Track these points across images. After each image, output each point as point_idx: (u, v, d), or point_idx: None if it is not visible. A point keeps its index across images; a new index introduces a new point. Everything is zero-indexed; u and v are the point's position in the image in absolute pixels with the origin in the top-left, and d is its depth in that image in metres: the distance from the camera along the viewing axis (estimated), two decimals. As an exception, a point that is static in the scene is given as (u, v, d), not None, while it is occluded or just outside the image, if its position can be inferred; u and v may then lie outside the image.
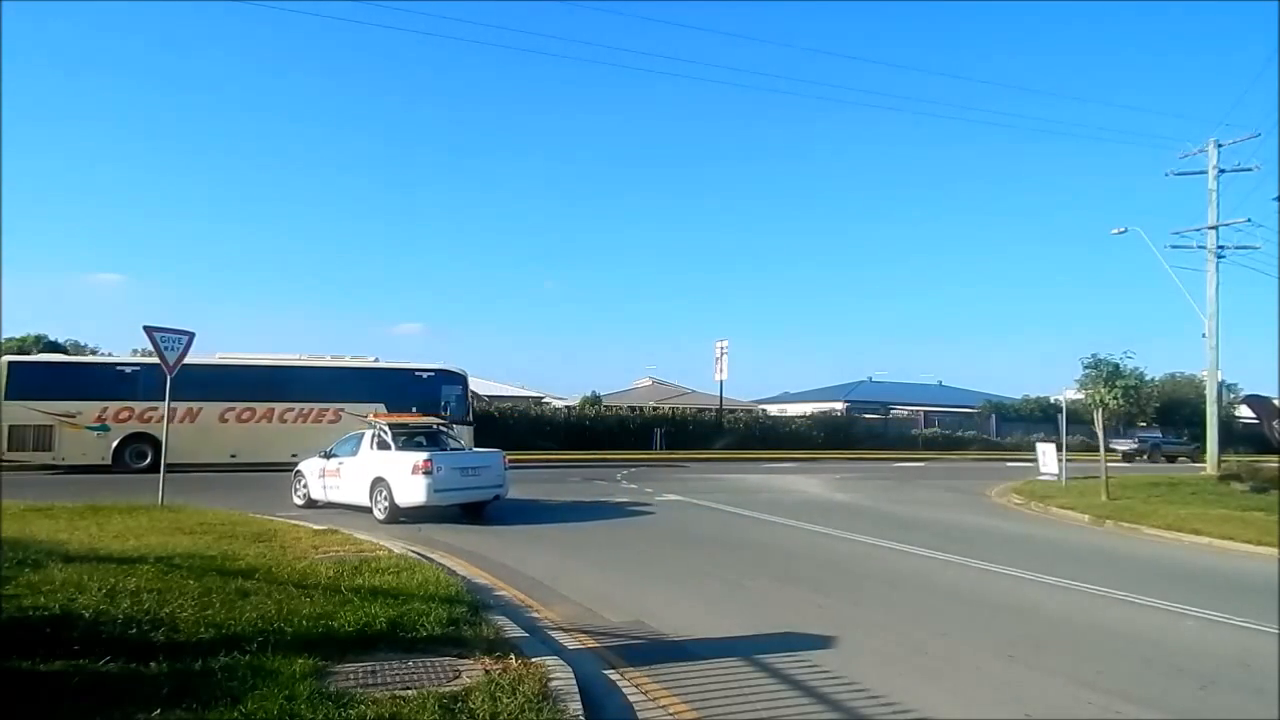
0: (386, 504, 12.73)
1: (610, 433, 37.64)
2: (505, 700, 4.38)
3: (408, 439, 13.79)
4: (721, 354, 39.89)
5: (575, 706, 4.47)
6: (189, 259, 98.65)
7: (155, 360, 22.77)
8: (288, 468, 17.20)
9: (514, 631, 6.03)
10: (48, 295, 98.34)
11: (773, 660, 5.62)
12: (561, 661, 5.28)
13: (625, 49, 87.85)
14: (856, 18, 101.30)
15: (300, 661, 4.76)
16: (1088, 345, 42.75)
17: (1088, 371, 19.22)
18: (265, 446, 22.31)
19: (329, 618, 5.79)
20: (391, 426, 13.79)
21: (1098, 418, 19.01)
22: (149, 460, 22.01)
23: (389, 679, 4.74)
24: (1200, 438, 27.05)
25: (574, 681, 4.87)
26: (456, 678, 4.81)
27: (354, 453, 13.85)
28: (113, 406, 21.97)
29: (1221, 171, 26.04)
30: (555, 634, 6.35)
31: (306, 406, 23.11)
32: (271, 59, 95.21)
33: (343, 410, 22.81)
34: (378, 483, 12.96)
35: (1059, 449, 23.48)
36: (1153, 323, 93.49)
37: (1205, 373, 28.44)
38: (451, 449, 14.28)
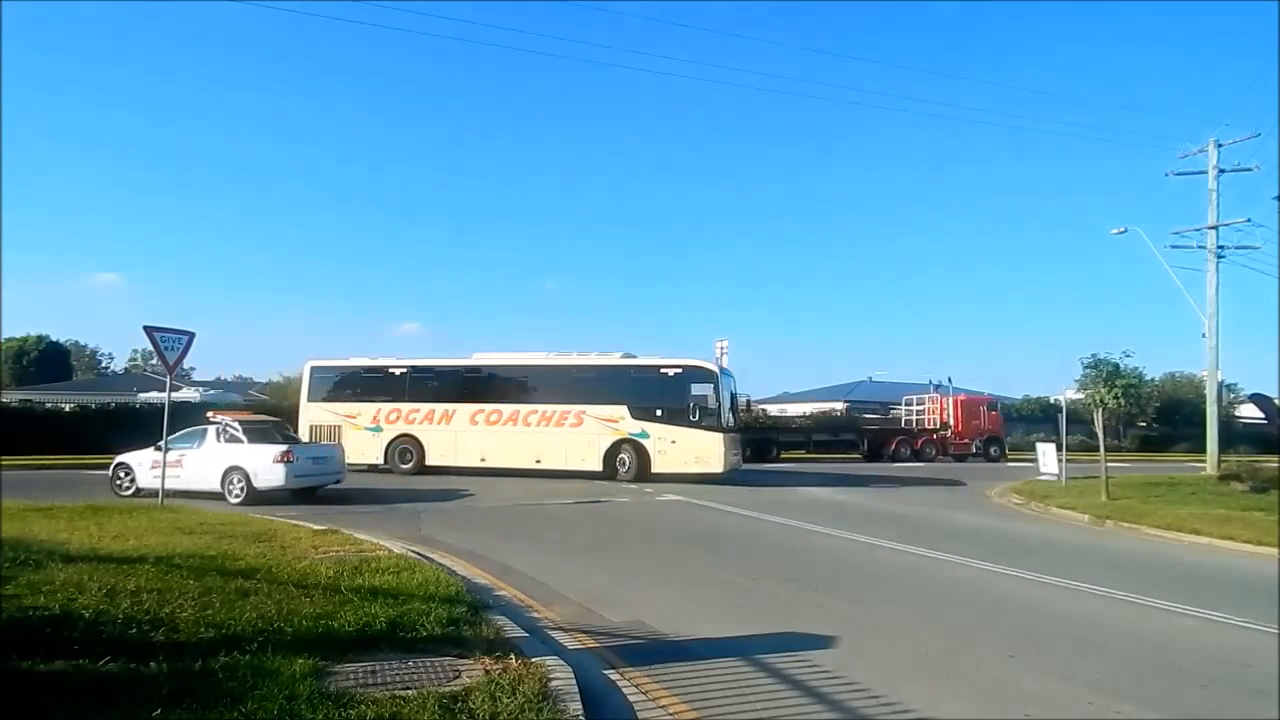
0: (242, 489, 14.85)
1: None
2: (505, 700, 4.38)
3: (255, 433, 15.86)
4: (722, 354, 39.72)
5: (575, 706, 4.47)
6: (188, 259, 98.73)
7: (421, 361, 23.30)
8: (530, 474, 17.38)
9: (514, 631, 6.02)
10: (48, 295, 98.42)
11: (773, 660, 5.62)
12: (561, 661, 5.28)
13: (628, 49, 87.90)
14: (858, 18, 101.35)
15: (300, 661, 4.75)
16: (1088, 345, 42.77)
17: (1088, 371, 19.21)
18: (509, 451, 21.40)
19: (329, 618, 5.79)
20: (241, 423, 15.97)
21: (1098, 418, 19.00)
22: (413, 462, 21.95)
23: (389, 679, 4.73)
24: (1202, 438, 26.99)
25: (574, 681, 4.86)
26: (456, 678, 4.81)
27: (198, 445, 15.60)
28: (385, 408, 22.28)
29: (1221, 171, 26.03)
30: (555, 634, 6.34)
31: (550, 409, 21.40)
32: (271, 59, 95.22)
33: (584, 413, 21.09)
34: (232, 470, 15.00)
35: (1059, 449, 23.47)
36: (1153, 323, 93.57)
37: (1205, 373, 28.43)
38: (288, 438, 16.39)
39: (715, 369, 21.30)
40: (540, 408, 21.48)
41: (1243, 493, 18.68)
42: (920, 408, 35.34)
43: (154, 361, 33.24)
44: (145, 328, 13.37)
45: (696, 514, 14.99)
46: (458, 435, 21.70)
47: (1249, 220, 25.79)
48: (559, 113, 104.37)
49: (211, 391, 51.10)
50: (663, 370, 21.41)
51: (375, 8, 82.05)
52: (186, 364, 17.48)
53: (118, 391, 46.31)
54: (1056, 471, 22.16)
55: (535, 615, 6.98)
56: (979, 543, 11.77)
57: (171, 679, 4.41)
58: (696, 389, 20.85)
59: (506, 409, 21.58)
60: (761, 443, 32.21)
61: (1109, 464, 18.91)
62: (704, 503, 16.43)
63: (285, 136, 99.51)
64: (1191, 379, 46.56)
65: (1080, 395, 21.16)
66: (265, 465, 14.86)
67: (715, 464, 20.39)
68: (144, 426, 24.44)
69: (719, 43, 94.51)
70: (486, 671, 4.90)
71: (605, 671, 5.40)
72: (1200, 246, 26.34)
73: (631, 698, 4.92)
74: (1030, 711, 4.91)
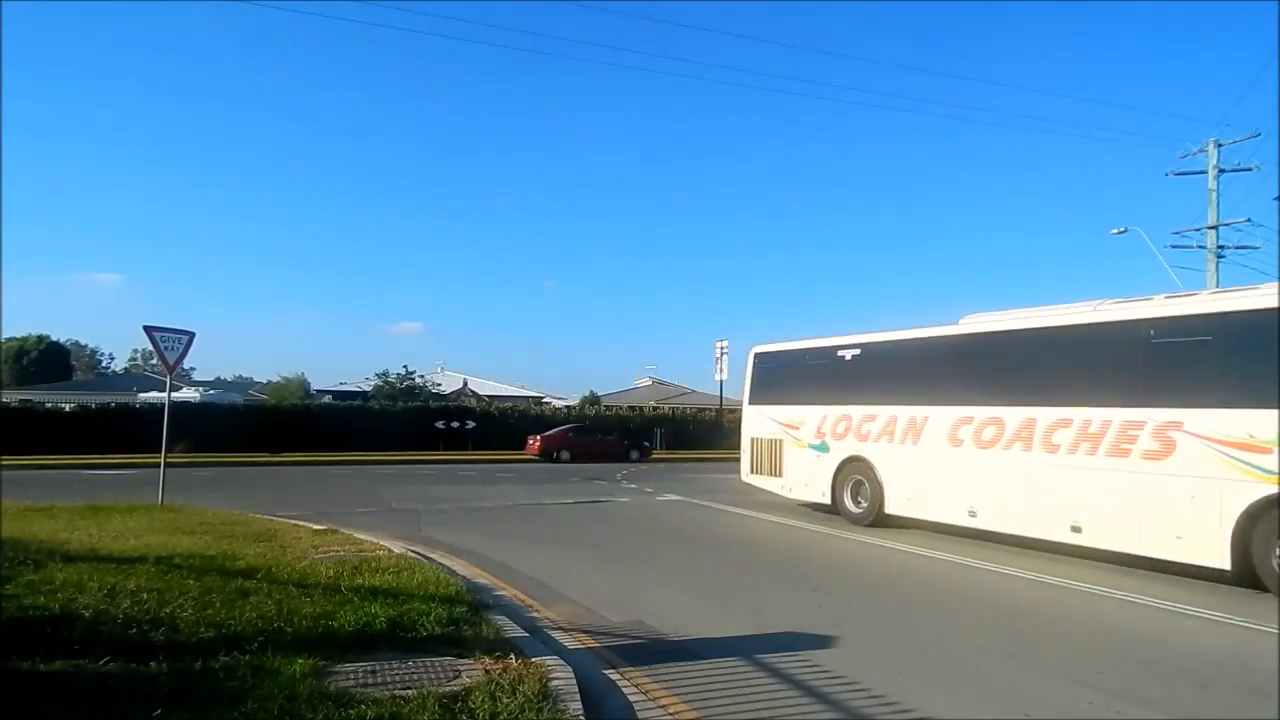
0: None
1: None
2: (505, 700, 4.38)
3: None
4: (722, 354, 39.82)
5: (575, 706, 4.47)
6: (189, 259, 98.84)
7: (877, 336, 13.64)
8: (1062, 552, 10.30)
9: (514, 631, 6.02)
10: (48, 295, 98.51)
11: (773, 660, 5.62)
12: (561, 661, 5.28)
13: (626, 49, 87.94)
14: (858, 17, 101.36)
15: (300, 661, 4.75)
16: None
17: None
18: (1020, 501, 10.74)
19: (329, 618, 5.79)
20: None
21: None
22: (867, 504, 13.09)
23: (389, 679, 4.73)
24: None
25: (574, 681, 4.86)
26: (456, 678, 4.81)
27: None
28: (830, 414, 13.95)
29: (1221, 171, 25.99)
30: (555, 634, 6.34)
31: (1097, 417, 9.90)
32: (271, 58, 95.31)
33: (1173, 428, 9.08)
34: None
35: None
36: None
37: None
38: None
39: None
40: (1077, 414, 10.15)
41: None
42: None
43: (154, 361, 33.26)
44: (145, 328, 13.37)
45: (695, 513, 14.95)
46: (929, 463, 12.09)
47: (1249, 220, 25.76)
48: (559, 112, 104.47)
49: (211, 391, 51.17)
50: None
51: (376, 8, 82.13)
52: (186, 364, 17.37)
53: (118, 391, 46.45)
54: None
55: (535, 615, 6.98)
56: (979, 542, 11.75)
57: (171, 679, 4.40)
58: None
59: (1011, 415, 10.93)
60: None
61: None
62: (703, 502, 16.38)
63: (285, 135, 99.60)
64: (1192, 379, 46.40)
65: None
66: None
67: None
68: (144, 426, 24.52)
69: (720, 41, 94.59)
70: (486, 671, 4.89)
71: (605, 671, 5.40)
72: (1200, 246, 26.31)
73: (631, 698, 4.91)
74: (1030, 711, 4.90)
